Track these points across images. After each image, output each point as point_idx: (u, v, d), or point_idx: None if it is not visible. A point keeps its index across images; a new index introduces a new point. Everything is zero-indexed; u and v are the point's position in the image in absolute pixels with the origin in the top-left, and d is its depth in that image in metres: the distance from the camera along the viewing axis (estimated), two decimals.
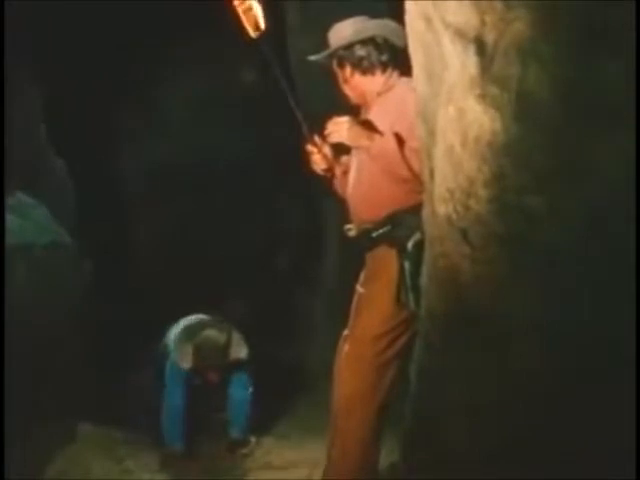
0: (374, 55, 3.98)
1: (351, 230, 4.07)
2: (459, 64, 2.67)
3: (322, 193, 5.57)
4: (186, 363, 5.74)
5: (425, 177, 3.09)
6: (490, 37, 2.61)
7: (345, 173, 4.17)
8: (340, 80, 4.08)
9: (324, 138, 4.00)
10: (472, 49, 2.64)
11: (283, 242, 7.43)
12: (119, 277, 7.16)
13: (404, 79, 3.95)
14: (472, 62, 2.64)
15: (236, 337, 5.83)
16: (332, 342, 4.14)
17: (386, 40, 3.96)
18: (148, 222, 7.66)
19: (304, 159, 4.17)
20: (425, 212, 3.09)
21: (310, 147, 4.11)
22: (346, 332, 4.06)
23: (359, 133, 3.89)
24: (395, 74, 4.03)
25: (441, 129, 2.77)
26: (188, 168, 7.32)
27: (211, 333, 5.78)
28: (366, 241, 4.00)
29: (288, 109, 3.95)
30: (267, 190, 7.41)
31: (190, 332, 5.84)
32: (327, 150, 4.11)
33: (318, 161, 4.12)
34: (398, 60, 3.92)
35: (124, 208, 7.61)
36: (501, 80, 2.60)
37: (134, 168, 7.58)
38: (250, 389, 5.88)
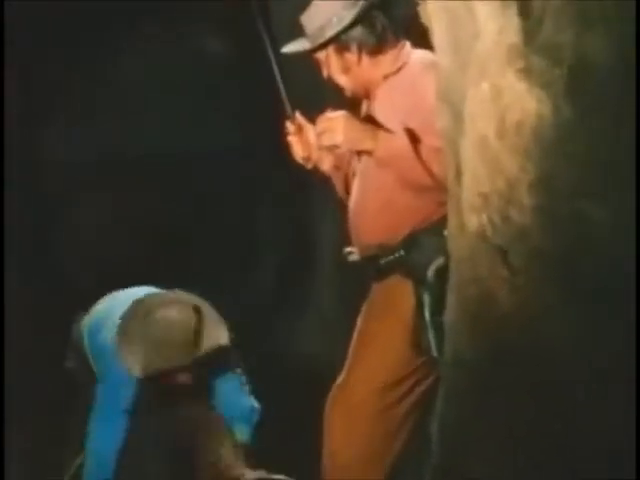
0: (382, 21, 3.42)
1: (353, 254, 3.59)
2: (495, 29, 2.40)
3: (316, 195, 5.25)
4: (136, 369, 4.11)
5: (450, 180, 2.77)
6: None
7: (338, 168, 3.67)
8: (335, 70, 3.52)
9: (313, 122, 3.52)
10: (513, 9, 2.33)
11: (266, 253, 6.89)
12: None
13: (417, 53, 3.47)
14: (513, 26, 2.35)
15: (210, 315, 4.24)
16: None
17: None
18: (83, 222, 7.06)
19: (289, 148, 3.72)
20: (451, 226, 2.77)
21: (289, 125, 3.60)
22: (341, 380, 3.58)
23: (360, 132, 3.38)
24: (407, 46, 3.52)
25: (471, 115, 2.50)
26: (147, 161, 6.72)
27: (169, 315, 4.15)
28: (373, 269, 3.53)
29: (273, 89, 3.50)
30: (247, 190, 6.86)
31: (134, 320, 4.18)
32: (311, 133, 3.57)
33: (294, 145, 3.62)
34: (403, 26, 3.45)
35: (60, 208, 7.04)
36: (551, 49, 2.33)
37: (70, 160, 6.97)
38: (244, 381, 4.42)
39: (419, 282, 3.36)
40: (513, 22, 2.35)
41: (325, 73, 3.50)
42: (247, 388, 4.44)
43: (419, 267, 3.36)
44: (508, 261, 2.49)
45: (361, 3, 3.37)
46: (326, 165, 3.62)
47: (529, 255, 2.44)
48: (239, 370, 4.42)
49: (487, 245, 2.51)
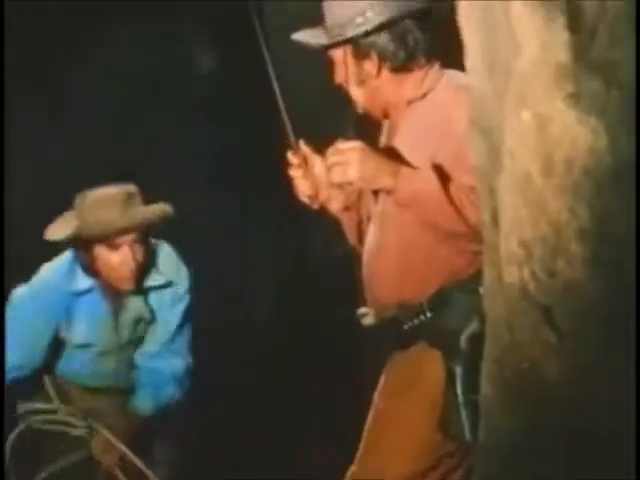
0: (415, 35, 3.01)
1: (368, 316, 3.18)
2: (539, 45, 2.15)
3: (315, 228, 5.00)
4: (68, 231, 3.84)
5: (485, 226, 2.49)
6: (590, 3, 2.07)
7: (348, 209, 3.27)
8: (350, 78, 3.11)
9: (320, 153, 3.10)
10: (561, 22, 2.09)
11: (259, 291, 6.71)
12: None
13: (448, 74, 3.09)
14: (560, 42, 2.11)
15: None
16: None
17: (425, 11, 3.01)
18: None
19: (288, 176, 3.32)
20: (487, 281, 2.45)
21: (291, 157, 3.17)
22: (354, 469, 3.18)
23: (378, 167, 2.96)
24: (436, 67, 3.11)
25: (510, 149, 2.24)
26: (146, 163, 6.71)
27: (105, 189, 3.91)
28: (392, 335, 3.14)
29: (268, 106, 3.09)
30: (232, 216, 6.71)
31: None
32: (318, 167, 3.15)
33: (298, 181, 3.18)
34: (437, 44, 3.06)
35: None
36: (606, 70, 2.10)
37: (70, 160, 6.93)
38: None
39: (449, 352, 2.97)
40: (561, 37, 2.08)
41: (337, 78, 3.12)
42: (181, 363, 3.90)
43: (449, 333, 2.97)
44: (555, 324, 2.21)
45: (394, 7, 2.99)
46: (336, 205, 3.22)
47: (580, 317, 2.18)
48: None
49: (529, 304, 2.22)
